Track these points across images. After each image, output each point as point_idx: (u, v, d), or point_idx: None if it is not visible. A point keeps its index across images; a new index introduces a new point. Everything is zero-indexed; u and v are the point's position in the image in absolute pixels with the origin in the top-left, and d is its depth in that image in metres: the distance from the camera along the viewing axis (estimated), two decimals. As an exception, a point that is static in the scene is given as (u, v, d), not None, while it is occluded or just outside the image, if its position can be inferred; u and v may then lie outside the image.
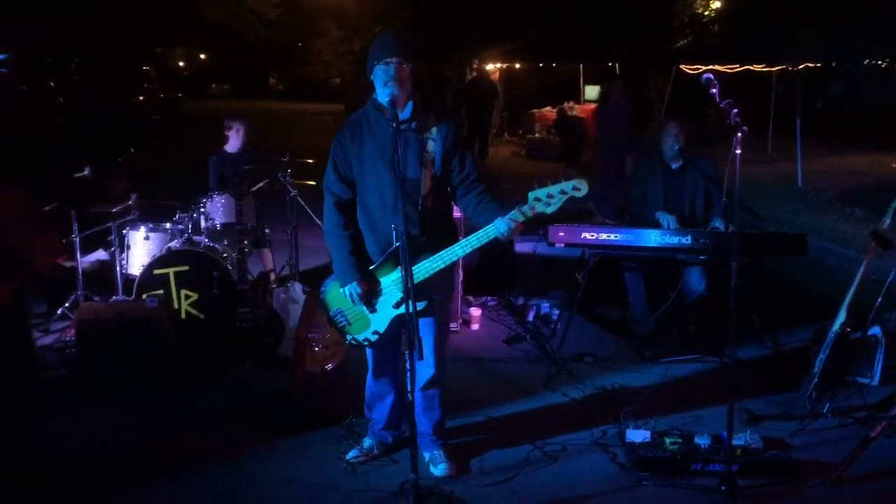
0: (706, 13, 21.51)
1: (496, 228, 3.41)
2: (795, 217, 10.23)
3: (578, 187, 3.36)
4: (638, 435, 4.01)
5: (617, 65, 18.31)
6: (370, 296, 3.62)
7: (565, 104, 18.19)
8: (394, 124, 3.35)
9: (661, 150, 5.47)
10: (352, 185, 3.65)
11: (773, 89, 16.39)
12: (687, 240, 5.01)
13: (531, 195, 3.38)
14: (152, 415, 4.49)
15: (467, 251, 3.50)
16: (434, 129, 3.57)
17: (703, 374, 5.11)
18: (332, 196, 3.68)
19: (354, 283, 3.58)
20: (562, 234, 5.13)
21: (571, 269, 5.77)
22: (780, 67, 15.14)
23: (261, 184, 6.16)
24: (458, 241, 3.52)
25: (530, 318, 6.15)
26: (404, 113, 3.54)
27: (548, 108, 18.92)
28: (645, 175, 5.57)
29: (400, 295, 3.56)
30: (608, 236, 5.08)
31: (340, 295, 3.68)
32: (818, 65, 14.02)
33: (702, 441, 3.91)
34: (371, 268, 3.64)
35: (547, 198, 3.36)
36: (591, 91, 19.52)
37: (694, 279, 5.33)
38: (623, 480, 3.81)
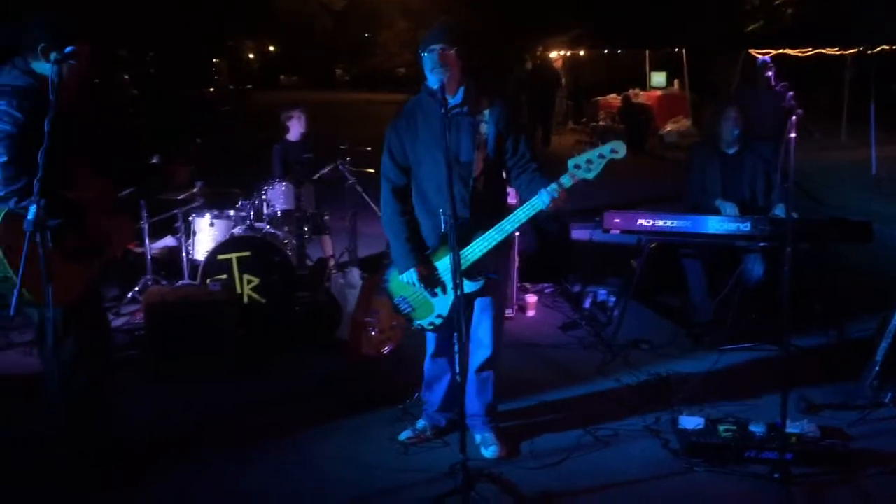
0: (780, -4, 20.93)
1: (540, 199, 3.43)
2: (867, 203, 9.90)
3: (616, 149, 3.39)
4: (691, 422, 3.98)
5: (684, 50, 17.97)
6: (428, 280, 3.68)
7: (630, 91, 17.95)
8: (443, 109, 3.38)
9: (718, 135, 5.36)
10: (407, 171, 3.72)
11: (846, 73, 15.86)
12: (746, 226, 4.92)
13: (570, 162, 3.41)
14: (213, 393, 4.66)
15: (516, 226, 3.53)
16: (486, 112, 3.61)
17: (762, 362, 5.02)
18: (388, 183, 3.75)
19: (412, 270, 3.66)
20: (617, 220, 5.10)
21: (630, 256, 5.73)
22: (854, 51, 14.64)
23: (324, 170, 6.26)
24: None
25: (587, 305, 6.13)
26: (456, 97, 3.59)
27: (612, 96, 18.71)
28: (702, 162, 5.46)
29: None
30: (664, 223, 5.03)
31: (402, 282, 3.75)
32: (895, 47, 13.51)
33: (756, 429, 3.86)
34: (427, 252, 3.71)
35: (586, 163, 3.39)
36: (657, 77, 19.24)
37: (753, 266, 5.24)
38: (674, 466, 3.79)
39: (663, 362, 5.02)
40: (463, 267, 3.53)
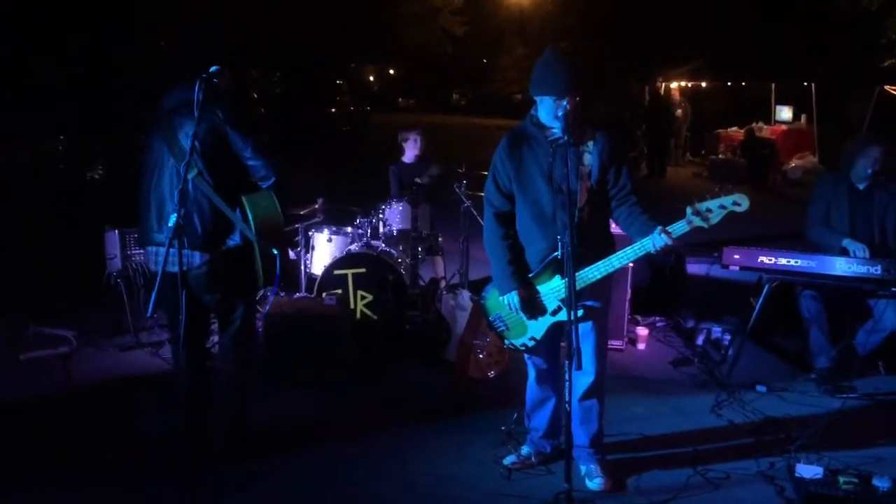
0: (921, 30, 19.89)
1: (651, 242, 3.42)
2: None
3: (739, 202, 3.35)
4: (809, 471, 3.80)
5: (813, 85, 17.30)
6: (528, 304, 3.70)
7: (754, 124, 17.42)
8: (552, 146, 3.55)
9: (851, 168, 5.15)
10: (511, 198, 3.77)
11: None
12: (876, 270, 4.70)
13: (689, 210, 3.39)
14: (323, 403, 4.79)
15: (624, 262, 3.54)
16: (590, 143, 3.63)
17: (888, 413, 4.76)
18: (492, 208, 3.81)
19: (513, 293, 3.69)
20: (737, 256, 4.97)
21: (748, 294, 5.54)
22: None
23: (428, 176, 6.29)
24: (614, 252, 3.57)
25: (700, 341, 5.97)
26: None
27: (734, 129, 18.19)
28: (828, 195, 5.26)
29: (556, 303, 3.64)
30: (788, 261, 4.86)
31: (500, 301, 3.79)
32: None
33: (881, 483, 3.65)
34: (529, 276, 3.73)
35: (706, 212, 3.37)
36: (783, 111, 18.60)
37: (889, 315, 4.98)
38: (789, 516, 3.64)
39: (780, 406, 4.83)
40: (563, 295, 3.55)
